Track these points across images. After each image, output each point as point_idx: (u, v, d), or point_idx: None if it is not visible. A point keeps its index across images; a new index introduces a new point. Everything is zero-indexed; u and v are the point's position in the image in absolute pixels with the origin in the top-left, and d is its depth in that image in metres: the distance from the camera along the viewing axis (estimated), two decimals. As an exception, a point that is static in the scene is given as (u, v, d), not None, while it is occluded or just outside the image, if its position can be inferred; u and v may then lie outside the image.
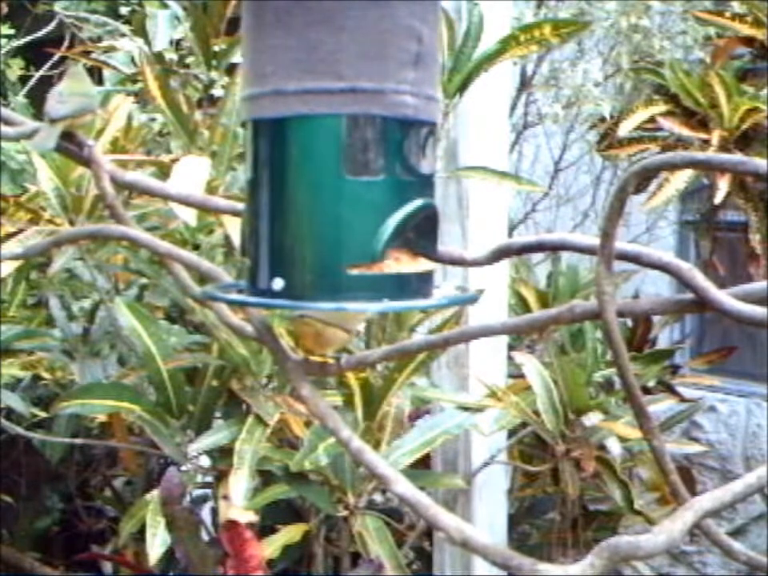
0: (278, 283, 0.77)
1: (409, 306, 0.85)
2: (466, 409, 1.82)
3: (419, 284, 0.79)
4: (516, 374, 2.00)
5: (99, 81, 2.47)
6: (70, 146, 1.10)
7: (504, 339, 2.05)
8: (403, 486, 0.81)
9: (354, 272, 0.75)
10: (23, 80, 3.55)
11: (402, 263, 0.77)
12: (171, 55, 2.21)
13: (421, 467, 1.86)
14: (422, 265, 0.79)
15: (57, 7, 3.53)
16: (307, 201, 0.77)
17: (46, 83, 3.39)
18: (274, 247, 0.78)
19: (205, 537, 1.70)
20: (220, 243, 1.81)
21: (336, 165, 0.76)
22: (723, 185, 2.15)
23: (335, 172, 0.76)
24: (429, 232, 0.80)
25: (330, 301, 0.77)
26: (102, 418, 1.99)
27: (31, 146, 1.27)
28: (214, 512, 1.92)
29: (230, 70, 2.07)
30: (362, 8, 0.75)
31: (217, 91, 2.12)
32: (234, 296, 0.86)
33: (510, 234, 2.40)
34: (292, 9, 0.75)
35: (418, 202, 0.77)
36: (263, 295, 0.78)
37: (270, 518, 1.79)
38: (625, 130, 2.32)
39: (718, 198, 2.16)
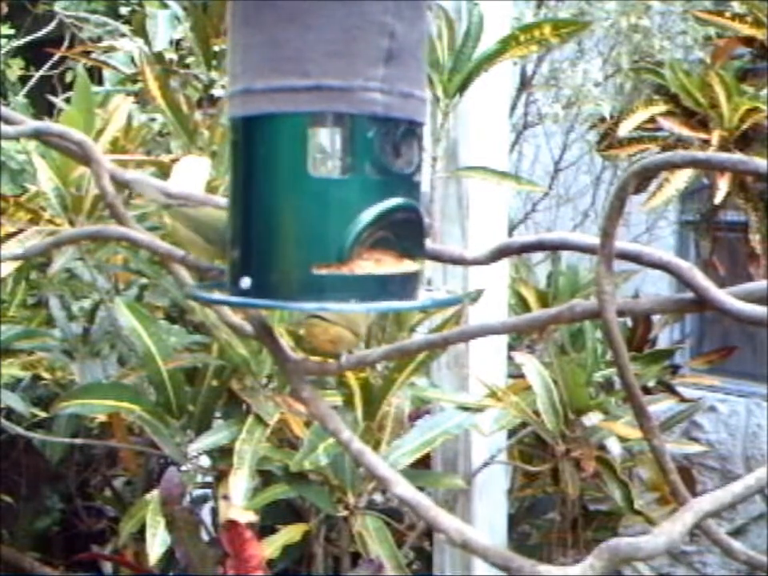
0: (246, 282, 0.76)
1: (391, 307, 0.84)
2: (466, 409, 1.82)
3: (401, 285, 0.78)
4: (516, 373, 2.00)
5: (99, 81, 2.48)
6: (70, 145, 1.10)
7: (504, 339, 2.05)
8: (404, 488, 0.81)
9: (322, 272, 0.74)
10: (23, 80, 3.55)
11: (381, 264, 0.76)
12: (171, 55, 2.21)
13: (421, 467, 1.86)
14: (403, 266, 0.78)
15: (57, 7, 3.53)
16: (274, 199, 0.76)
17: (46, 83, 3.40)
18: (244, 246, 0.78)
19: (205, 537, 1.70)
20: (220, 243, 1.81)
21: (302, 163, 0.75)
22: (723, 185, 2.15)
23: (301, 170, 0.75)
24: (411, 232, 0.78)
25: (307, 300, 0.76)
26: (102, 417, 1.99)
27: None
28: (214, 512, 1.92)
29: (230, 69, 2.06)
30: (329, 6, 0.74)
31: (217, 91, 2.12)
32: (215, 295, 0.85)
33: (510, 234, 2.40)
34: (260, 8, 0.75)
35: (391, 202, 0.76)
36: (239, 294, 0.78)
37: (270, 518, 1.79)
38: (625, 130, 2.32)
39: (718, 198, 2.16)
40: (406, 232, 0.78)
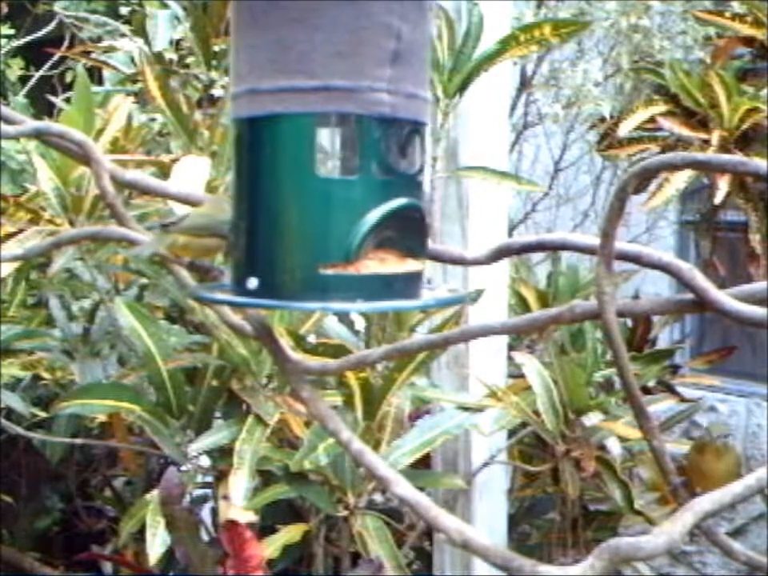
0: (253, 282, 0.77)
1: (394, 306, 0.84)
2: (466, 409, 1.82)
3: (405, 284, 0.78)
4: (516, 373, 2.00)
5: (99, 81, 2.48)
6: (70, 145, 1.10)
7: (504, 339, 2.05)
8: (404, 488, 0.81)
9: (329, 271, 0.74)
10: (23, 80, 3.55)
11: (385, 264, 0.76)
12: (171, 55, 2.22)
13: (421, 467, 1.86)
14: (407, 265, 0.78)
15: (57, 7, 3.53)
16: (281, 199, 0.76)
17: (46, 83, 3.40)
18: (251, 246, 0.78)
19: (205, 537, 1.70)
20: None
21: (309, 163, 0.75)
22: (723, 185, 2.15)
23: (309, 171, 0.75)
24: (414, 232, 0.79)
25: (312, 300, 0.76)
26: (102, 418, 1.99)
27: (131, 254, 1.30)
28: (214, 512, 1.92)
29: (230, 69, 2.07)
30: (337, 7, 0.74)
31: (217, 91, 2.12)
32: (219, 295, 0.85)
33: (510, 234, 2.40)
34: (268, 8, 0.75)
35: (397, 202, 0.76)
36: (244, 294, 0.78)
37: (270, 518, 1.79)
38: (625, 129, 2.32)
39: (718, 198, 2.15)
40: (409, 232, 0.78)
